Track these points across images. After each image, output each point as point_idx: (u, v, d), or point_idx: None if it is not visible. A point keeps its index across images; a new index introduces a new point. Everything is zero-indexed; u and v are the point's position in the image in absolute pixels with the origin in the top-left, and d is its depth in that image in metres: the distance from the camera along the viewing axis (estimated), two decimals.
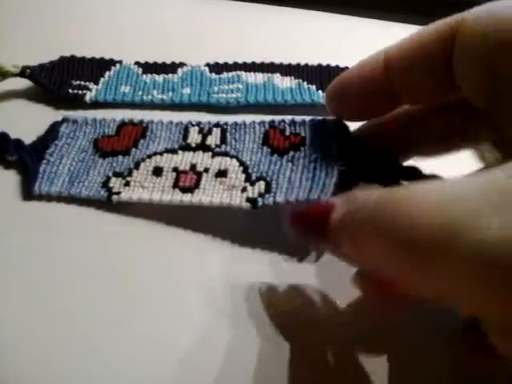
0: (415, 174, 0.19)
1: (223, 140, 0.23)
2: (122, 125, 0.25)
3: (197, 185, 0.22)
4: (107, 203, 0.22)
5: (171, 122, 0.24)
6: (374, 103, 0.19)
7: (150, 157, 0.23)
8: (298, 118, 0.23)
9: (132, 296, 0.19)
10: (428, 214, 0.12)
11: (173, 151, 0.23)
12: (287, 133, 0.23)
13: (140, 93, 0.26)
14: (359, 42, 0.25)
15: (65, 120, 0.25)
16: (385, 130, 0.20)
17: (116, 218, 0.22)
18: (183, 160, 0.23)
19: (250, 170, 0.22)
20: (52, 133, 0.24)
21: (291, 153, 0.22)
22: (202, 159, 0.23)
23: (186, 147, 0.23)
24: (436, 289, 0.12)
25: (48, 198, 0.22)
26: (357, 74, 0.19)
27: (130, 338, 0.18)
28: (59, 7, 0.32)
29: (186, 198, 0.21)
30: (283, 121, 0.23)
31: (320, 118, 0.23)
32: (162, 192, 0.22)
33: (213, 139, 0.23)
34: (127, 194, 0.22)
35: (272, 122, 0.23)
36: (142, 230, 0.21)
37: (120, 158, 0.23)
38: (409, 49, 0.17)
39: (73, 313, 0.19)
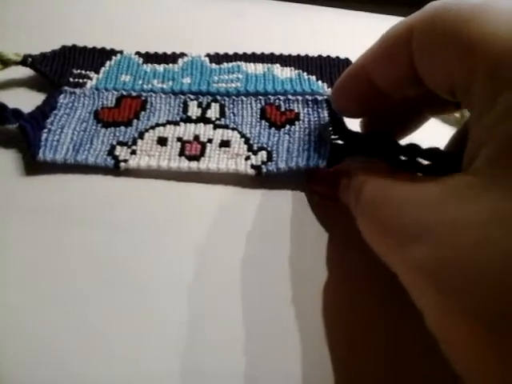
0: (413, 150, 0.22)
1: (222, 114, 0.25)
2: (121, 97, 0.25)
3: (202, 153, 0.23)
4: (113, 172, 0.23)
5: (170, 96, 0.25)
6: (368, 103, 0.21)
7: (153, 127, 0.24)
8: (292, 96, 0.25)
9: (138, 282, 0.20)
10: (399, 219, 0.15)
11: (175, 123, 0.24)
12: (282, 109, 0.25)
13: (140, 82, 0.26)
14: (358, 35, 0.27)
15: (63, 91, 0.25)
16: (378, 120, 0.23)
17: (120, 203, 0.22)
18: (186, 131, 0.24)
19: (251, 141, 0.24)
20: (50, 102, 0.25)
21: (287, 127, 0.24)
22: (204, 130, 0.24)
23: (188, 119, 0.25)
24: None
25: (51, 170, 0.23)
26: (348, 79, 0.21)
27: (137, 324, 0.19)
28: None
29: (193, 164, 0.23)
30: (278, 98, 0.25)
31: (311, 96, 0.25)
32: (168, 160, 0.23)
33: (212, 113, 0.25)
34: (134, 162, 0.23)
35: (268, 99, 0.25)
36: (148, 214, 0.22)
37: (123, 128, 0.24)
38: (379, 51, 0.19)
39: (78, 300, 0.19)
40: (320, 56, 0.27)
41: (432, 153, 0.21)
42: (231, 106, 0.25)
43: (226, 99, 0.25)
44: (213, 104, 0.25)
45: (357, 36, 0.29)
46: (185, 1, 0.32)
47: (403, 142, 0.22)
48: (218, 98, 0.25)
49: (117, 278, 0.20)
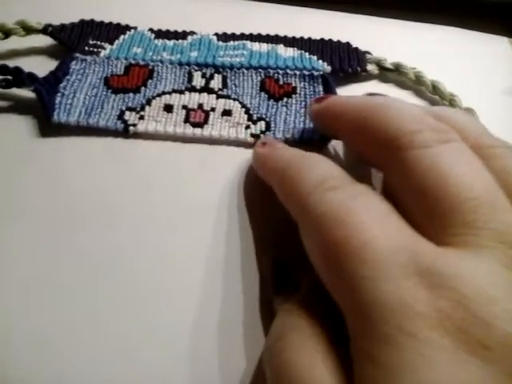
0: None
1: (224, 85, 0.27)
2: (129, 66, 0.27)
3: (206, 121, 0.25)
4: (122, 135, 0.25)
5: (175, 66, 0.27)
6: None
7: (159, 95, 0.26)
8: (290, 71, 0.27)
9: (143, 235, 0.22)
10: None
11: (180, 91, 0.26)
12: (281, 82, 0.27)
13: (150, 53, 0.27)
14: (361, 39, 0.29)
15: (74, 57, 0.27)
16: None
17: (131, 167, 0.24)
18: (191, 99, 0.26)
19: (251, 112, 0.26)
20: (63, 68, 0.26)
21: (285, 99, 0.26)
22: (207, 100, 0.26)
23: (192, 89, 0.26)
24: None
25: (64, 132, 0.25)
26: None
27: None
28: None
29: (197, 131, 0.25)
30: (277, 72, 0.27)
31: (308, 71, 0.27)
32: (174, 126, 0.25)
33: (215, 83, 0.27)
34: (142, 126, 0.25)
35: (267, 72, 0.27)
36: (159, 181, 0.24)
37: (131, 94, 0.26)
38: None
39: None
40: (322, 39, 0.29)
41: None
42: (233, 77, 0.27)
43: (228, 71, 0.27)
44: (216, 75, 0.27)
45: (359, 39, 0.30)
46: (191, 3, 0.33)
47: None
48: (221, 69, 0.27)
49: (126, 235, 0.22)
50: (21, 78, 0.25)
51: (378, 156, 0.18)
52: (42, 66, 0.26)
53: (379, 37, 0.31)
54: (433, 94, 0.28)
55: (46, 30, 0.27)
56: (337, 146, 0.25)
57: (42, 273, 0.21)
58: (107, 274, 0.21)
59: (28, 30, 0.27)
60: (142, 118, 0.25)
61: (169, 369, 0.19)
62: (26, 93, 0.25)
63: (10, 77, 0.25)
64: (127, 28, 0.29)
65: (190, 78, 0.27)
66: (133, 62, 0.27)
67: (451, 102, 0.27)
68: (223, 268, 0.21)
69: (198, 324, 0.20)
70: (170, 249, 0.21)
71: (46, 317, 0.20)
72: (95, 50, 0.27)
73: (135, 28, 0.29)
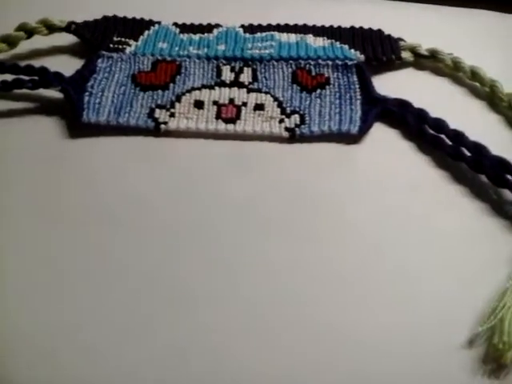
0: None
1: (255, 78, 0.26)
2: (156, 62, 0.26)
3: (238, 116, 0.24)
4: (152, 134, 0.24)
5: (203, 61, 0.26)
6: None
7: (189, 91, 0.25)
8: (322, 61, 0.26)
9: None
10: None
11: (210, 87, 0.25)
12: (313, 73, 0.26)
13: (176, 48, 0.27)
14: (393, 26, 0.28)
15: (101, 55, 0.26)
16: None
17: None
18: (221, 94, 0.25)
19: (284, 105, 0.25)
20: (89, 67, 0.25)
21: (318, 90, 0.25)
22: (238, 94, 0.25)
23: (222, 83, 0.25)
24: None
25: (94, 132, 0.24)
26: None
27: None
28: None
29: (230, 127, 0.24)
30: (308, 63, 0.26)
31: (341, 61, 0.26)
32: (206, 122, 0.24)
33: (245, 77, 0.26)
34: (174, 124, 0.24)
35: (298, 64, 0.26)
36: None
37: (160, 91, 0.25)
38: None
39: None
40: (352, 26, 0.28)
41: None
42: (263, 70, 0.26)
43: (258, 64, 0.26)
44: (245, 68, 0.26)
45: (390, 26, 0.29)
46: None
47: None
48: (250, 62, 0.26)
49: (161, 228, 0.21)
50: (47, 78, 0.24)
51: None
52: (66, 65, 0.26)
53: (411, 23, 0.30)
54: (472, 80, 0.27)
55: (69, 27, 0.27)
56: (374, 138, 0.24)
57: (73, 272, 0.20)
58: (138, 271, 0.20)
59: (51, 28, 0.26)
60: (172, 115, 0.24)
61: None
62: (53, 93, 0.25)
63: (36, 77, 0.24)
64: (151, 23, 0.28)
65: (219, 73, 0.26)
66: (159, 57, 0.26)
67: (492, 88, 0.26)
68: (263, 271, 0.20)
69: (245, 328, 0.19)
70: (202, 246, 0.21)
71: (84, 314, 0.19)
72: (120, 46, 0.27)
73: (159, 23, 0.28)
